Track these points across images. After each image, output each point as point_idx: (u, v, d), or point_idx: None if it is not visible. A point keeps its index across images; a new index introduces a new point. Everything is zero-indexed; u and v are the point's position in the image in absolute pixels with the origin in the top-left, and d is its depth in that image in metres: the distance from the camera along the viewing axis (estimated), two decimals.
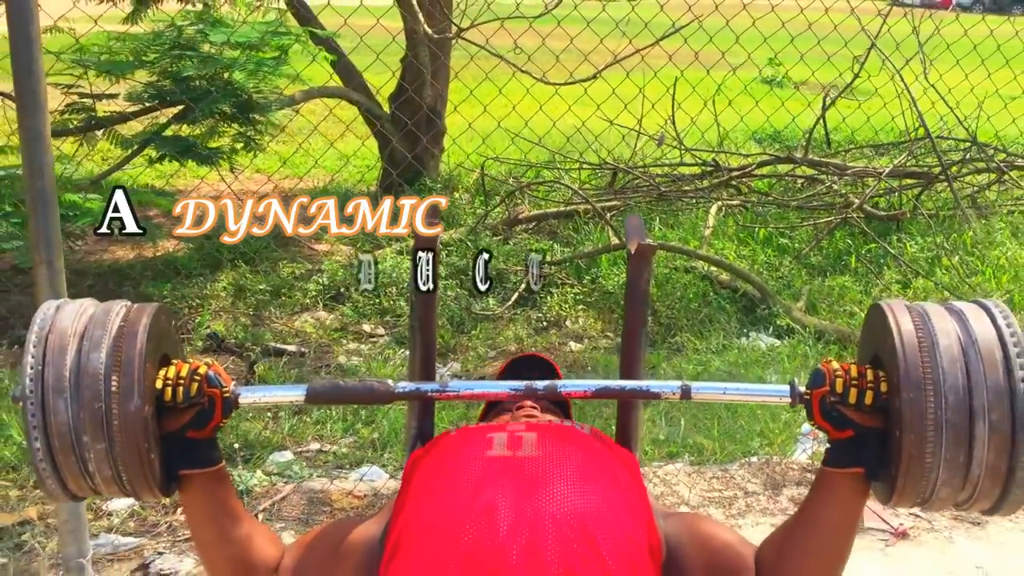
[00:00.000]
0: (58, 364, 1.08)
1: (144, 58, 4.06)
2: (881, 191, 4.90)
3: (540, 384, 1.23)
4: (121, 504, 2.43)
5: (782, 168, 5.24)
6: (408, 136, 5.01)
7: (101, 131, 4.22)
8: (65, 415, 1.07)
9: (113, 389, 1.07)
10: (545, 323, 3.98)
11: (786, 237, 4.63)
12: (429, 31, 4.10)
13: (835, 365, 1.15)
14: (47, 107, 1.84)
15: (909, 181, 5.00)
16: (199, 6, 4.40)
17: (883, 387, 1.11)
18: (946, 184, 4.81)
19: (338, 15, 3.50)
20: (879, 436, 1.12)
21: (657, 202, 4.98)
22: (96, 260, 4.49)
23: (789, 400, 1.18)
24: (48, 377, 1.07)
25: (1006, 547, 2.47)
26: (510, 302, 4.08)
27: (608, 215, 4.57)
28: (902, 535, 2.49)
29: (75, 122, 4.19)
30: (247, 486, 2.52)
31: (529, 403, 1.48)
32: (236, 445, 2.68)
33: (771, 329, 3.87)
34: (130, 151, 4.23)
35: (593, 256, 4.38)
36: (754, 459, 2.82)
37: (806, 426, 3.01)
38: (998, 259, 4.34)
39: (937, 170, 4.81)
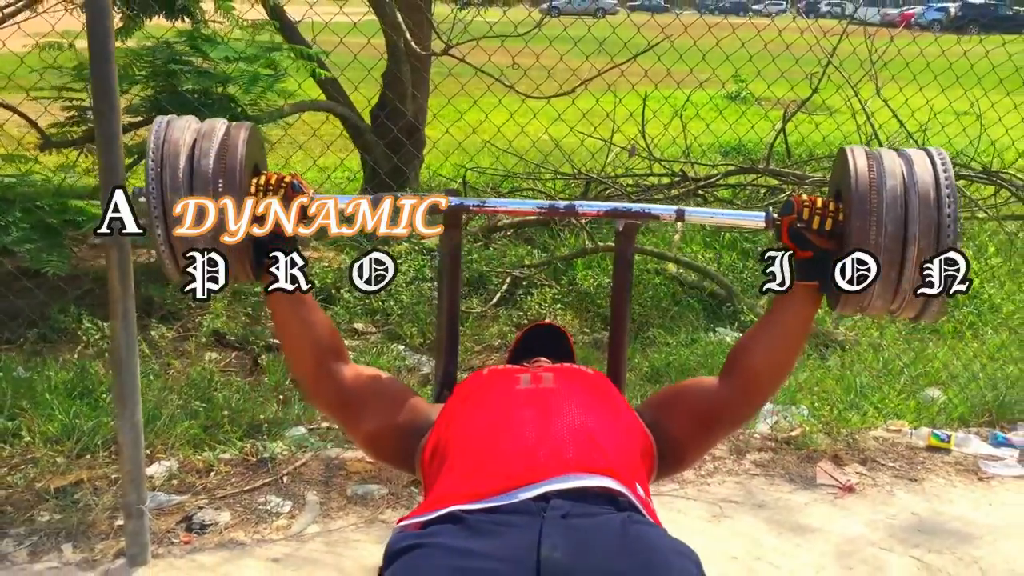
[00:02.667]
0: (173, 167, 1.38)
1: (141, 72, 4.44)
2: None
3: (561, 204, 1.61)
4: (162, 467, 2.81)
5: (746, 178, 5.75)
6: (390, 148, 5.43)
7: None
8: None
9: (220, 189, 1.39)
10: (526, 320, 4.41)
11: (750, 241, 5.12)
12: (416, 47, 4.55)
13: (804, 197, 1.47)
14: (120, 113, 2.23)
15: None
16: (187, 22, 4.79)
17: (840, 217, 1.41)
18: None
19: (334, 33, 3.92)
20: (832, 257, 1.40)
21: None
22: (92, 265, 4.82)
23: (764, 224, 1.52)
24: (166, 177, 1.38)
25: (938, 498, 2.94)
26: (493, 301, 4.51)
27: (583, 222, 5.03)
28: (849, 490, 2.96)
29: (76, 133, 4.55)
30: (271, 454, 2.92)
31: (543, 358, 1.90)
32: (263, 414, 3.08)
33: (736, 325, 4.34)
34: (130, 161, 4.59)
35: (569, 259, 4.83)
36: None
37: (768, 406, 3.46)
38: None
39: None
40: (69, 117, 4.50)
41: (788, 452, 3.16)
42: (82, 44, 4.27)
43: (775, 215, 1.49)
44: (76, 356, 3.60)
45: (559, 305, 4.52)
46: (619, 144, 5.78)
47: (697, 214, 1.61)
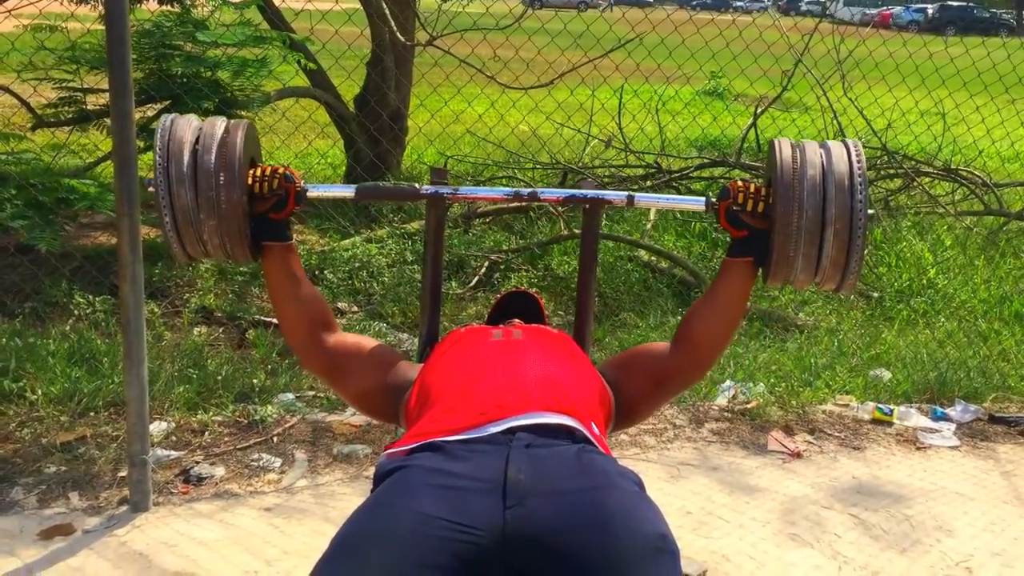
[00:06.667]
0: (179, 162, 1.59)
1: (132, 55, 4.65)
2: None
3: (525, 191, 1.86)
4: (160, 426, 3.07)
5: (717, 171, 6.06)
6: (373, 136, 5.69)
7: (92, 122, 4.80)
8: (186, 199, 1.59)
9: (221, 182, 1.58)
10: None
11: (719, 232, 5.43)
12: (401, 38, 4.81)
13: (739, 183, 1.69)
14: (132, 92, 2.48)
15: None
16: (177, 7, 5.01)
17: (771, 200, 1.61)
18: None
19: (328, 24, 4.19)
20: (765, 236, 1.63)
21: None
22: (81, 244, 5.04)
23: (704, 208, 1.75)
24: (172, 171, 1.59)
25: (877, 464, 3.26)
26: (471, 284, 4.79)
27: (559, 209, 5.31)
28: (797, 456, 3.27)
29: (68, 114, 4.77)
30: (261, 416, 3.18)
31: (517, 320, 2.17)
32: (254, 380, 3.34)
33: None
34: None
35: (546, 245, 5.11)
36: (683, 403, 3.57)
37: (729, 382, 3.77)
38: (902, 252, 5.21)
39: None
40: (62, 98, 4.71)
41: (743, 422, 3.47)
42: (73, 26, 4.53)
43: (714, 200, 1.71)
44: (69, 328, 3.84)
45: (535, 289, 4.80)
46: (594, 135, 6.07)
47: (645, 199, 1.84)
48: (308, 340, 1.77)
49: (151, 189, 1.60)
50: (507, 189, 1.90)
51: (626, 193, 1.82)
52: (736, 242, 1.70)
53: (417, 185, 1.84)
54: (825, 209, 1.56)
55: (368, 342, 1.84)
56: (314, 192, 1.75)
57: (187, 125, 1.65)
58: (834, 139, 5.70)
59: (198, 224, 1.60)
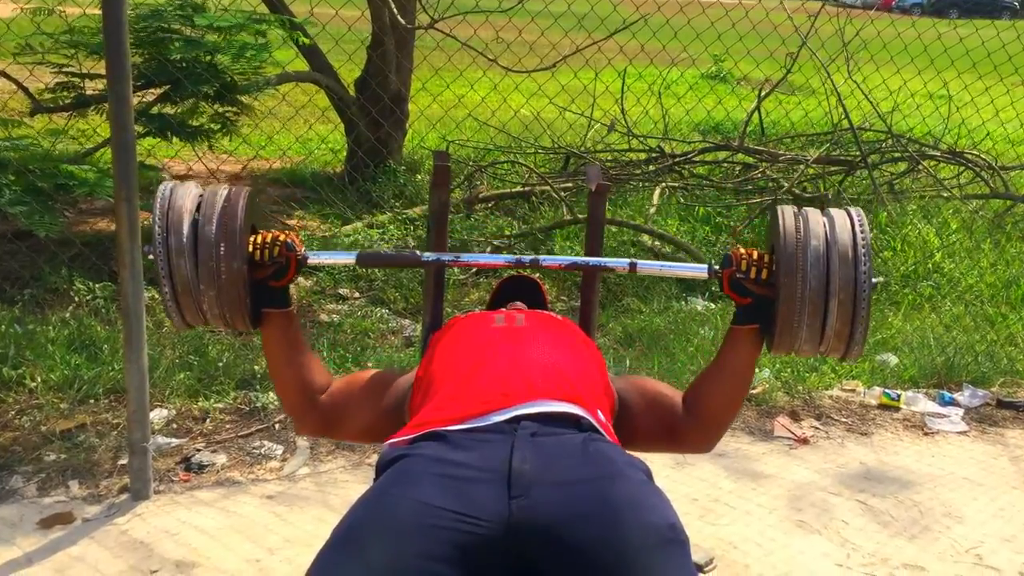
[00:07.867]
0: (178, 232, 1.57)
1: (130, 40, 4.60)
2: (808, 176, 5.70)
3: (527, 257, 1.84)
4: (161, 413, 3.04)
5: (721, 155, 6.01)
6: (374, 120, 5.64)
7: (91, 108, 4.76)
8: (186, 270, 1.56)
9: (222, 253, 1.55)
10: None
11: (722, 216, 5.38)
12: (402, 21, 4.76)
13: (741, 251, 1.67)
14: (130, 77, 2.44)
15: (833, 168, 5.82)
16: None
17: (774, 267, 1.58)
18: (866, 171, 5.64)
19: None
20: (770, 303, 1.59)
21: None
22: (80, 230, 5.01)
23: (707, 275, 1.71)
24: (171, 242, 1.55)
25: (884, 450, 3.23)
26: (473, 270, 4.75)
27: (562, 194, 5.27)
28: (804, 441, 3.24)
29: (66, 99, 4.72)
30: (263, 403, 3.15)
31: (519, 303, 2.14)
32: (256, 367, 3.31)
33: (707, 294, 4.61)
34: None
35: (548, 231, 5.07)
36: None
37: None
38: (907, 236, 5.16)
39: (859, 159, 5.63)
40: (60, 83, 4.66)
41: (749, 408, 3.44)
42: (71, 11, 4.48)
43: (716, 267, 1.67)
44: (68, 315, 3.81)
45: (537, 274, 4.76)
46: (597, 119, 6.01)
47: (648, 266, 1.82)
48: (302, 404, 1.75)
49: (151, 257, 1.58)
50: (509, 256, 1.85)
51: (628, 261, 1.79)
52: (741, 310, 1.67)
53: (419, 252, 1.80)
54: (829, 280, 1.54)
55: (357, 378, 1.80)
56: (315, 259, 1.71)
57: (187, 193, 1.62)
58: (840, 119, 5.61)
59: (197, 294, 1.58)
